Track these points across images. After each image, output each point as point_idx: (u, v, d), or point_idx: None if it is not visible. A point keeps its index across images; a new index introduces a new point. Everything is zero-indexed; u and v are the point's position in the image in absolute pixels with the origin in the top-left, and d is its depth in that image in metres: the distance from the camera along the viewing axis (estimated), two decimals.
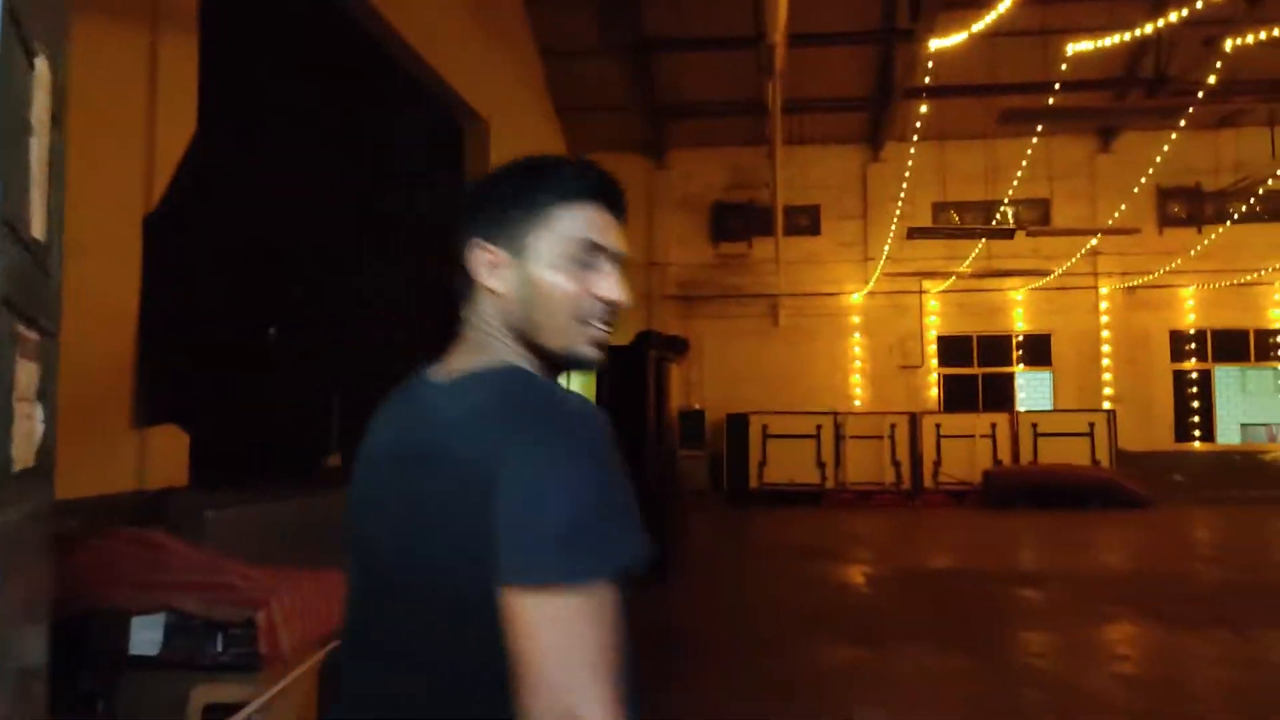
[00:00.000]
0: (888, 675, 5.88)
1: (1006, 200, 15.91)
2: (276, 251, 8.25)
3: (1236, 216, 16.08)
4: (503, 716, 1.02)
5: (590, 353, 1.26)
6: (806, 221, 18.59)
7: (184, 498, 6.07)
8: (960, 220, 18.15)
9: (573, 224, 1.23)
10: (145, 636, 2.85)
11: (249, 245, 7.83)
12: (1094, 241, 16.42)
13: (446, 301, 1.42)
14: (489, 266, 1.26)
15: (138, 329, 6.06)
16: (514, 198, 1.24)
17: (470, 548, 1.06)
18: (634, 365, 10.74)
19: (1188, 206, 17.62)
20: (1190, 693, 5.64)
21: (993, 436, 17.46)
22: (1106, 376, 18.06)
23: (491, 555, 1.04)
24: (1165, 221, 17.72)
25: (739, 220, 18.41)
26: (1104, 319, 18.08)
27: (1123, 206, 16.01)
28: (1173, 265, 16.63)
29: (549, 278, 1.23)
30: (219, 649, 2.89)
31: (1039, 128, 14.02)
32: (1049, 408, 18.32)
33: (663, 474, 11.21)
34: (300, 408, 8.98)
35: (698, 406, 17.82)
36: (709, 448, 17.78)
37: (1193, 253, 16.65)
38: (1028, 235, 15.59)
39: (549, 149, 11.69)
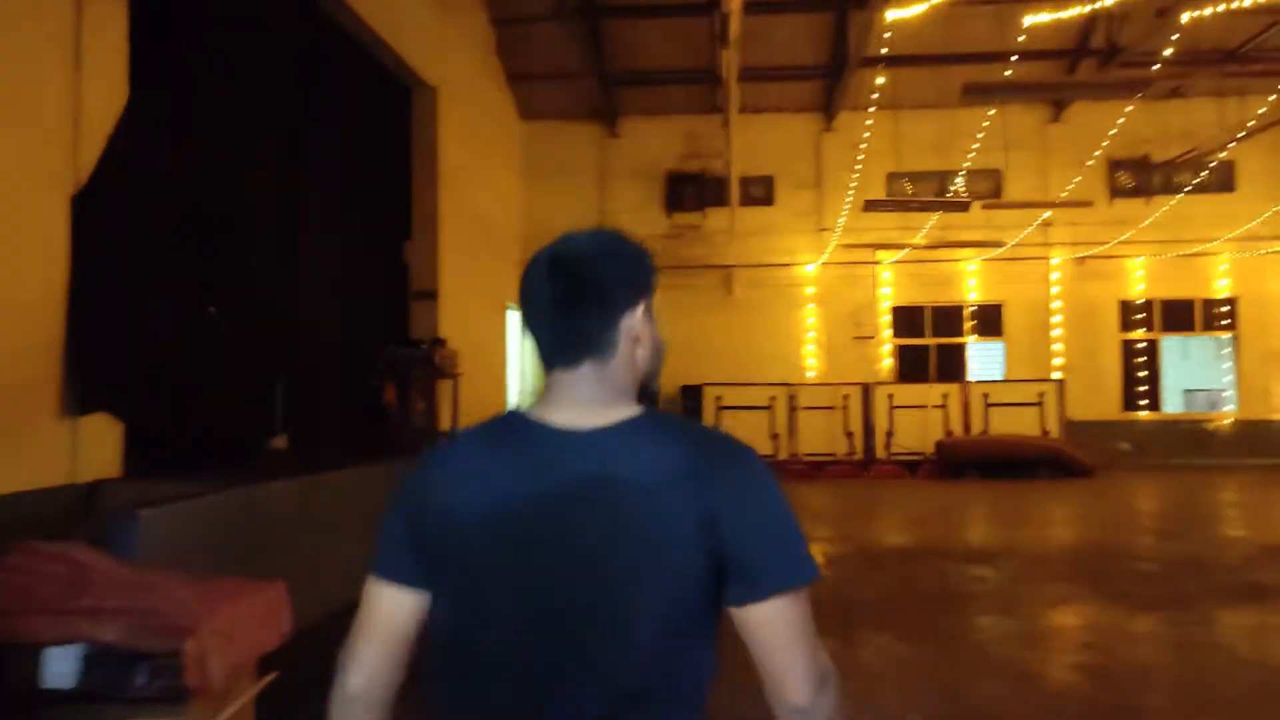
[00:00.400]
0: (855, 665, 5.79)
1: (963, 171, 15.86)
2: (213, 228, 7.90)
3: (1189, 188, 16.22)
4: (701, 705, 1.33)
5: None
6: (761, 192, 18.44)
7: (118, 490, 5.79)
8: (914, 191, 18.11)
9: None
10: (60, 668, 2.62)
11: (185, 221, 7.47)
12: (1048, 214, 16.47)
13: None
14: (633, 329, 1.45)
15: (66, 312, 5.73)
16: (643, 278, 1.48)
17: (722, 569, 1.31)
18: None
19: (1137, 177, 17.73)
20: (1156, 682, 5.62)
21: (944, 407, 17.54)
22: (1057, 346, 18.21)
23: (748, 572, 1.31)
24: (1115, 192, 17.83)
25: (693, 190, 18.19)
26: (1055, 289, 18.20)
27: (1077, 179, 16.06)
28: (1124, 237, 16.74)
29: (659, 338, 1.52)
30: (142, 681, 2.66)
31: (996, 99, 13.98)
32: (1000, 378, 18.43)
33: None
34: (243, 388, 8.66)
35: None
36: None
37: (1145, 223, 16.76)
38: (983, 208, 15.59)
39: (500, 117, 11.46)
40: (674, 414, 1.47)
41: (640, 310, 1.45)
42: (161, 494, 5.04)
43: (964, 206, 15.09)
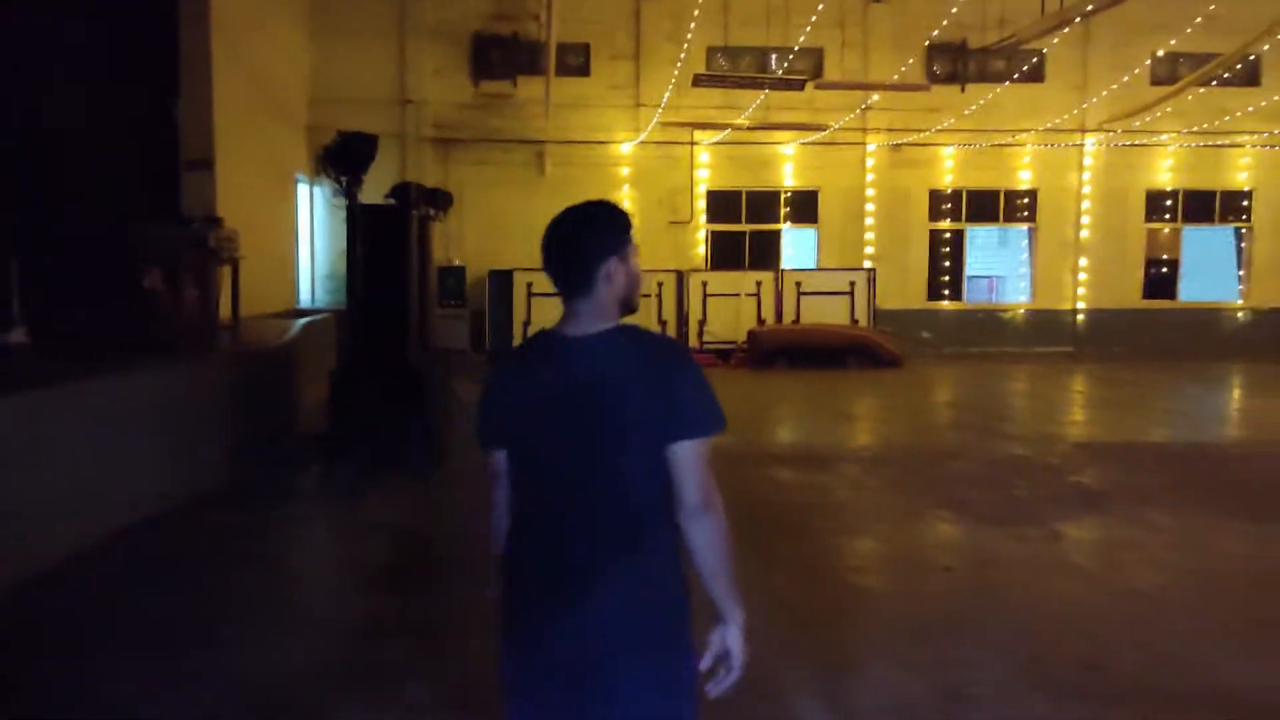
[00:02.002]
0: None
1: (794, 50, 15.12)
2: None
3: (1016, 77, 16.16)
4: (663, 505, 2.04)
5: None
6: (577, 61, 17.15)
7: None
8: (734, 67, 17.31)
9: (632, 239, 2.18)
10: None
11: None
12: (876, 97, 16.07)
13: None
14: (609, 273, 2.10)
15: None
16: (620, 231, 2.14)
17: (654, 421, 1.99)
18: (393, 223, 9.29)
19: (953, 64, 17.59)
20: (1027, 605, 5.28)
21: (758, 295, 17.29)
22: (869, 235, 18.17)
23: (670, 423, 2.00)
24: (932, 78, 17.65)
25: (502, 55, 16.69)
26: (869, 177, 18.05)
27: (911, 61, 15.64)
28: (944, 125, 16.63)
29: (636, 270, 2.16)
30: None
31: None
32: (814, 266, 18.28)
33: (424, 343, 9.99)
34: None
35: (458, 262, 16.43)
36: (470, 306, 16.54)
37: (967, 112, 16.65)
38: (816, 87, 14.99)
39: None
40: (637, 326, 2.12)
41: (613, 259, 2.10)
42: None
43: (799, 85, 14.44)
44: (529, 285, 16.31)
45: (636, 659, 2.03)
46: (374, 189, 9.61)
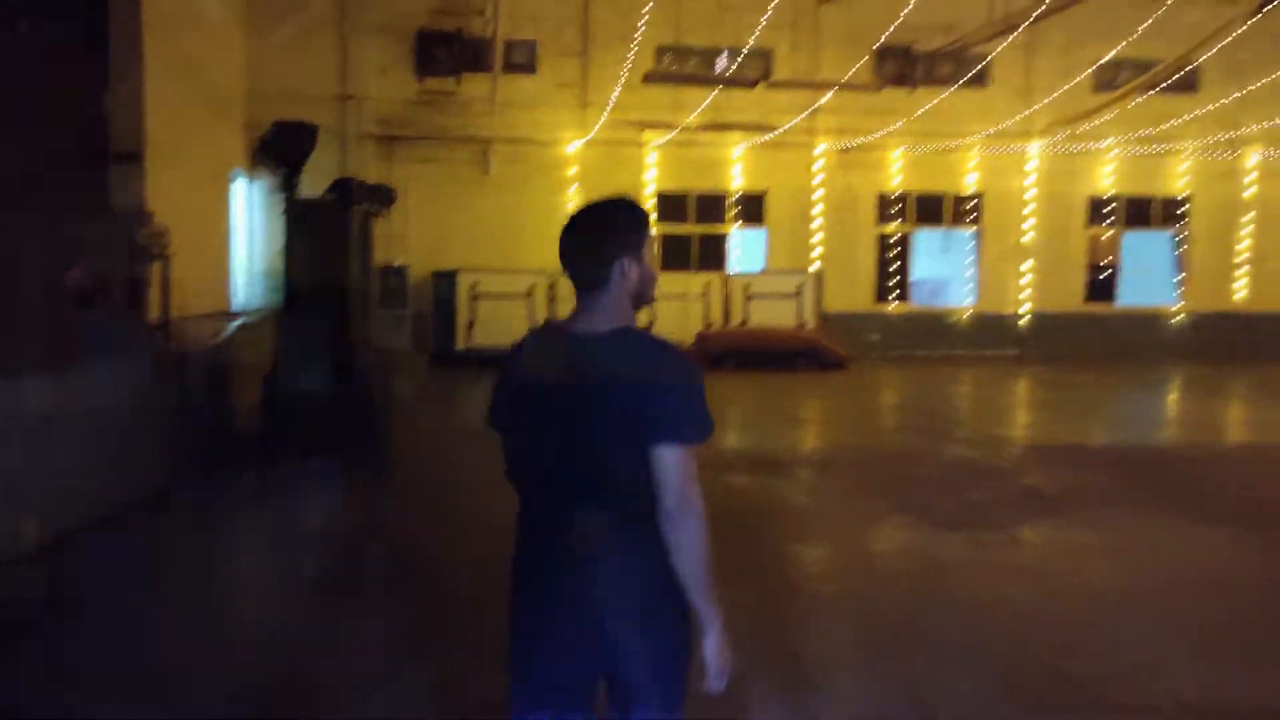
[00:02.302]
0: None
1: (746, 50, 14.94)
2: None
3: (963, 81, 16.19)
4: (649, 498, 2.06)
5: None
6: (523, 58, 16.82)
7: None
8: (682, 68, 17.14)
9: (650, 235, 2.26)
10: None
11: None
12: (828, 95, 15.98)
13: None
14: (624, 270, 2.15)
15: None
16: (638, 229, 2.21)
17: (641, 423, 2.04)
18: (333, 219, 8.95)
19: (900, 67, 17.61)
20: (989, 611, 5.16)
21: (706, 297, 17.17)
22: (817, 237, 18.12)
23: (653, 428, 2.04)
24: (880, 81, 17.63)
25: (447, 51, 16.33)
26: (817, 179, 18.00)
27: (859, 64, 15.53)
28: (892, 127, 16.62)
29: (652, 266, 2.23)
30: None
31: None
32: (761, 268, 18.19)
33: (365, 343, 9.65)
34: None
35: (400, 262, 16.04)
36: (412, 307, 16.16)
37: (917, 114, 16.63)
38: (767, 88, 14.86)
39: None
40: (643, 330, 2.18)
41: (629, 258, 2.16)
42: None
43: (750, 84, 14.29)
44: (473, 285, 16.01)
45: (634, 638, 2.11)
46: (314, 186, 9.27)
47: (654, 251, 2.22)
